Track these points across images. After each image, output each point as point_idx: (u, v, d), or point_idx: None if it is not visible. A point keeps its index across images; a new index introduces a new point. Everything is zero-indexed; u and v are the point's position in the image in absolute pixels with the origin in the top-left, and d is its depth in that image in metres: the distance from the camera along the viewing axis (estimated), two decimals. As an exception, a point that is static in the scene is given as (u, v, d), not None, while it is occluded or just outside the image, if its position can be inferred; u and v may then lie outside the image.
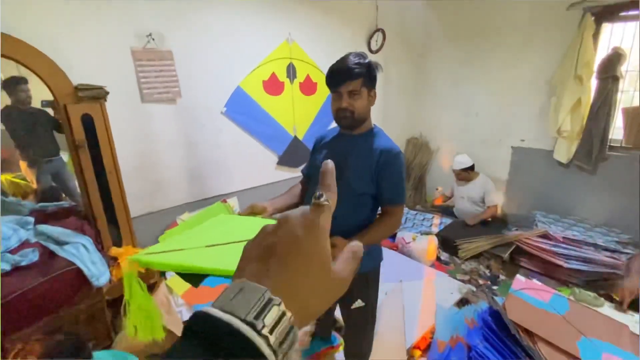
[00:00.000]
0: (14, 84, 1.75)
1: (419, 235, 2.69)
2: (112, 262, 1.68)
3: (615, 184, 2.62)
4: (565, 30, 2.68)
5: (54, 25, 1.66)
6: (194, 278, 0.81)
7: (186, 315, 1.60)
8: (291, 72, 2.67)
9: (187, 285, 1.73)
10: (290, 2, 2.52)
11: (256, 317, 0.22)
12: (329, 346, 1.77)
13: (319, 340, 1.77)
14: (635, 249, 2.33)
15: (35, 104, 1.84)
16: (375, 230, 1.20)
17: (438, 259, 2.65)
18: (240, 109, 2.44)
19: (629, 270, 2.10)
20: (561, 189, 2.95)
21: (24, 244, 1.41)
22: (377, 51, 3.24)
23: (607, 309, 1.88)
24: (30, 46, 1.48)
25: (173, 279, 1.77)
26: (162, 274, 1.86)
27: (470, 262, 2.60)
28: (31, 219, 1.53)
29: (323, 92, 2.92)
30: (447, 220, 3.02)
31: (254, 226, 0.44)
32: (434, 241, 2.63)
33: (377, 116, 3.52)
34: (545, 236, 2.50)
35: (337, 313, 1.72)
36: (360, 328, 1.42)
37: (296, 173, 2.93)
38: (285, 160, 2.83)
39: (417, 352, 1.75)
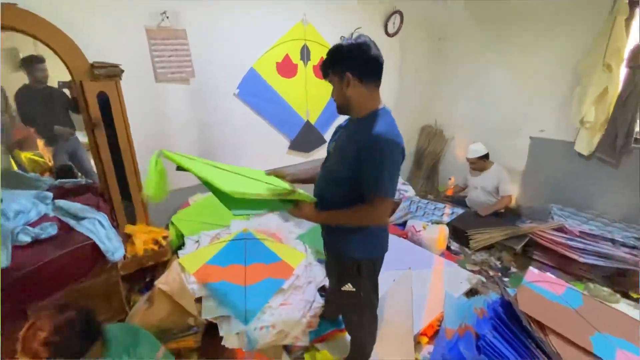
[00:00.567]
0: (32, 63, 1.77)
1: (430, 224, 2.66)
2: (126, 238, 1.72)
3: (638, 179, 2.52)
4: (596, 15, 2.53)
5: (71, 3, 1.65)
6: (229, 201, 1.05)
7: (198, 293, 1.63)
8: (305, 54, 2.61)
9: (199, 264, 1.76)
10: (306, -19, 2.45)
11: None
12: (335, 329, 1.79)
13: (327, 322, 1.79)
14: (655, 246, 2.26)
15: (52, 84, 1.86)
16: (344, 212, 1.14)
17: (448, 248, 2.63)
18: (253, 91, 2.41)
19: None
20: (580, 182, 2.86)
21: (43, 218, 1.45)
22: (394, 34, 3.14)
23: (623, 306, 1.84)
24: (49, 23, 1.48)
25: (185, 258, 1.80)
26: (175, 252, 1.90)
27: (481, 253, 2.57)
28: (50, 194, 1.57)
29: (337, 76, 2.87)
30: (459, 210, 2.97)
31: (267, 179, 0.93)
32: (444, 230, 2.59)
33: (390, 102, 3.45)
34: (560, 229, 2.44)
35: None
36: (351, 312, 1.43)
37: (307, 158, 2.91)
38: (297, 144, 2.81)
39: (424, 339, 1.76)
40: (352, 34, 1.18)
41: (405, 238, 2.66)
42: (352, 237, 1.23)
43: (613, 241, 2.31)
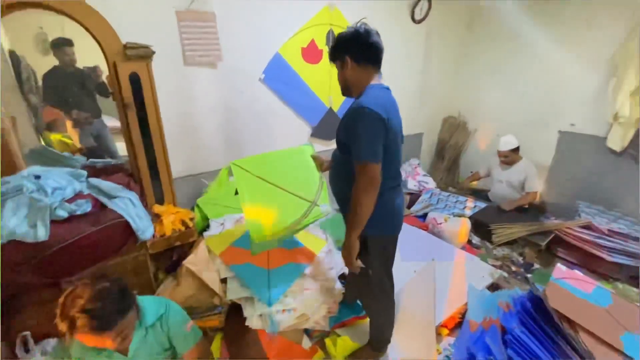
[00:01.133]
0: (61, 45, 1.79)
1: (451, 217, 2.63)
2: (155, 218, 1.76)
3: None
4: (634, 3, 2.39)
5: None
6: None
7: (223, 274, 1.66)
8: (330, 39, 2.57)
9: (224, 246, 1.79)
10: (334, -36, 2.39)
11: None
12: (355, 316, 1.80)
13: (346, 308, 1.80)
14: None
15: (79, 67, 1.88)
16: (352, 203, 1.18)
17: (469, 242, 2.59)
18: (278, 76, 2.40)
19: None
20: (610, 179, 2.75)
21: (78, 195, 1.49)
22: (420, 21, 3.05)
23: (652, 306, 1.79)
24: (85, 3, 1.49)
25: (211, 238, 1.84)
26: (201, 233, 1.94)
27: (503, 248, 2.53)
28: (84, 172, 1.61)
29: (362, 63, 2.82)
30: (481, 204, 2.92)
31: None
32: (466, 224, 2.56)
33: (415, 92, 3.38)
34: (588, 227, 2.37)
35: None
36: (363, 289, 1.52)
37: (329, 146, 2.89)
38: (319, 132, 2.80)
39: (445, 331, 1.75)
40: (357, 22, 1.27)
41: (425, 230, 2.64)
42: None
43: (643, 241, 2.24)
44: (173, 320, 1.25)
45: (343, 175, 1.31)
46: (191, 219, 1.83)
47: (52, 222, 1.35)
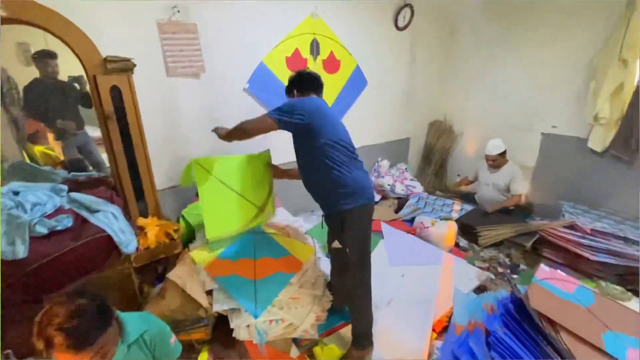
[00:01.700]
0: (44, 58, 1.79)
1: (438, 220, 2.65)
2: (139, 231, 1.75)
3: (653, 176, 2.48)
4: (612, 9, 2.47)
5: (83, -4, 1.66)
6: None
7: (209, 286, 1.65)
8: (315, 48, 2.60)
9: (210, 258, 1.78)
10: (316, -26, 2.43)
11: None
12: (344, 322, 1.80)
13: (335, 314, 1.80)
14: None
15: (61, 79, 1.88)
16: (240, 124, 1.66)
17: (456, 245, 2.62)
18: (263, 85, 2.41)
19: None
20: (592, 180, 2.81)
21: (59, 210, 1.48)
22: (404, 28, 3.10)
23: (634, 304, 1.82)
24: (64, 17, 1.50)
25: (196, 251, 1.82)
26: (186, 246, 1.92)
27: (490, 249, 2.56)
28: (65, 187, 1.60)
29: (346, 70, 2.85)
30: (468, 207, 2.95)
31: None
32: (453, 227, 2.58)
33: (401, 98, 3.43)
34: (572, 227, 2.41)
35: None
36: (340, 265, 1.65)
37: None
38: (306, 139, 2.81)
39: (433, 335, 1.76)
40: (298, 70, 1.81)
41: (413, 234, 2.66)
42: (329, 196, 1.53)
43: (625, 239, 2.28)
44: (156, 336, 1.24)
45: (307, 171, 1.66)
46: (176, 231, 1.82)
47: (32, 238, 1.34)
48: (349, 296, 1.63)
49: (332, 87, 2.80)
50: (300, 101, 1.55)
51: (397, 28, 3.08)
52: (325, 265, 1.99)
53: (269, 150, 2.00)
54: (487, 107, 3.44)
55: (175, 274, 1.63)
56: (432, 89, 3.69)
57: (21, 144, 1.90)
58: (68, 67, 1.81)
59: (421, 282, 2.08)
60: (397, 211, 3.09)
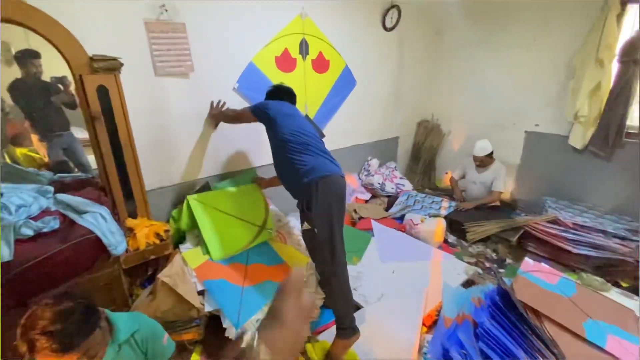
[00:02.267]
0: (27, 57, 1.74)
1: (427, 218, 2.70)
2: (128, 232, 1.73)
3: (630, 172, 2.58)
4: (588, 11, 2.57)
5: (68, -5, 1.63)
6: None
7: (200, 286, 1.65)
8: (304, 48, 2.61)
9: (201, 260, 1.77)
10: (304, -25, 2.44)
11: None
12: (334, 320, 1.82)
13: (328, 311, 1.81)
14: (645, 237, 2.32)
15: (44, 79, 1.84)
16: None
17: (445, 241, 2.67)
18: (252, 85, 2.41)
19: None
20: (574, 175, 2.92)
21: (45, 212, 1.45)
22: (391, 29, 3.15)
23: (614, 294, 1.90)
24: (48, 16, 1.46)
25: (188, 252, 1.82)
26: (176, 246, 1.91)
27: (478, 245, 2.62)
28: (51, 188, 1.56)
29: (335, 69, 2.88)
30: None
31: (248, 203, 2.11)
32: (442, 223, 2.64)
33: (390, 98, 3.47)
34: (554, 222, 2.50)
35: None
36: (309, 246, 1.67)
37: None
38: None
39: (423, 329, 1.80)
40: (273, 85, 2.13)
41: (403, 231, 2.70)
42: (293, 179, 1.64)
43: (605, 232, 2.37)
44: (148, 336, 1.23)
45: (276, 162, 1.86)
46: (166, 232, 1.80)
47: (18, 241, 1.31)
48: (322, 278, 1.63)
49: (321, 87, 2.82)
50: (271, 101, 1.96)
51: (385, 29, 3.13)
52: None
53: (254, 169, 2.28)
54: (473, 106, 3.52)
55: (166, 274, 1.62)
56: (420, 88, 3.75)
57: (2, 146, 1.85)
58: (50, 67, 1.78)
59: (411, 277, 2.12)
60: (387, 209, 3.13)
